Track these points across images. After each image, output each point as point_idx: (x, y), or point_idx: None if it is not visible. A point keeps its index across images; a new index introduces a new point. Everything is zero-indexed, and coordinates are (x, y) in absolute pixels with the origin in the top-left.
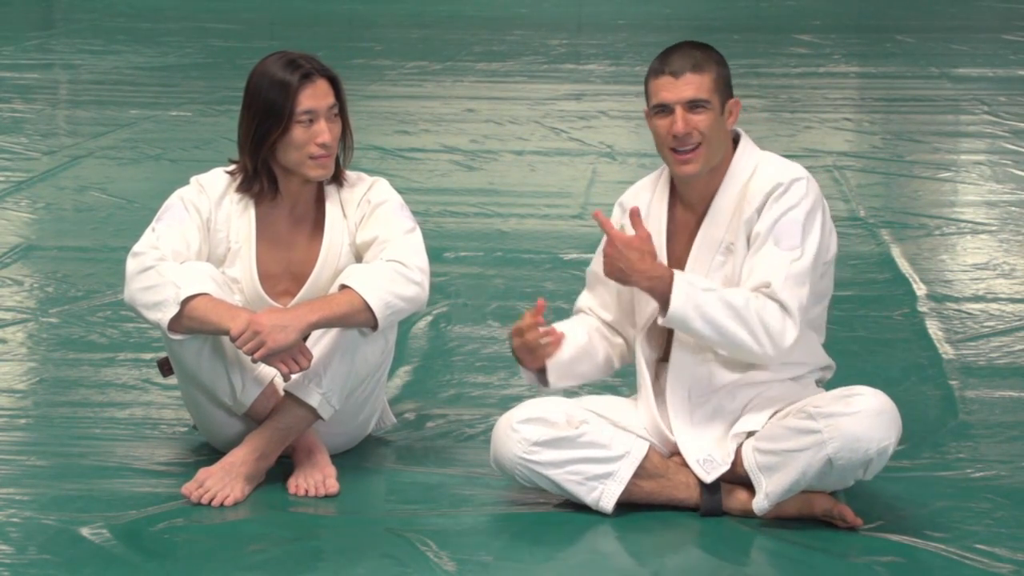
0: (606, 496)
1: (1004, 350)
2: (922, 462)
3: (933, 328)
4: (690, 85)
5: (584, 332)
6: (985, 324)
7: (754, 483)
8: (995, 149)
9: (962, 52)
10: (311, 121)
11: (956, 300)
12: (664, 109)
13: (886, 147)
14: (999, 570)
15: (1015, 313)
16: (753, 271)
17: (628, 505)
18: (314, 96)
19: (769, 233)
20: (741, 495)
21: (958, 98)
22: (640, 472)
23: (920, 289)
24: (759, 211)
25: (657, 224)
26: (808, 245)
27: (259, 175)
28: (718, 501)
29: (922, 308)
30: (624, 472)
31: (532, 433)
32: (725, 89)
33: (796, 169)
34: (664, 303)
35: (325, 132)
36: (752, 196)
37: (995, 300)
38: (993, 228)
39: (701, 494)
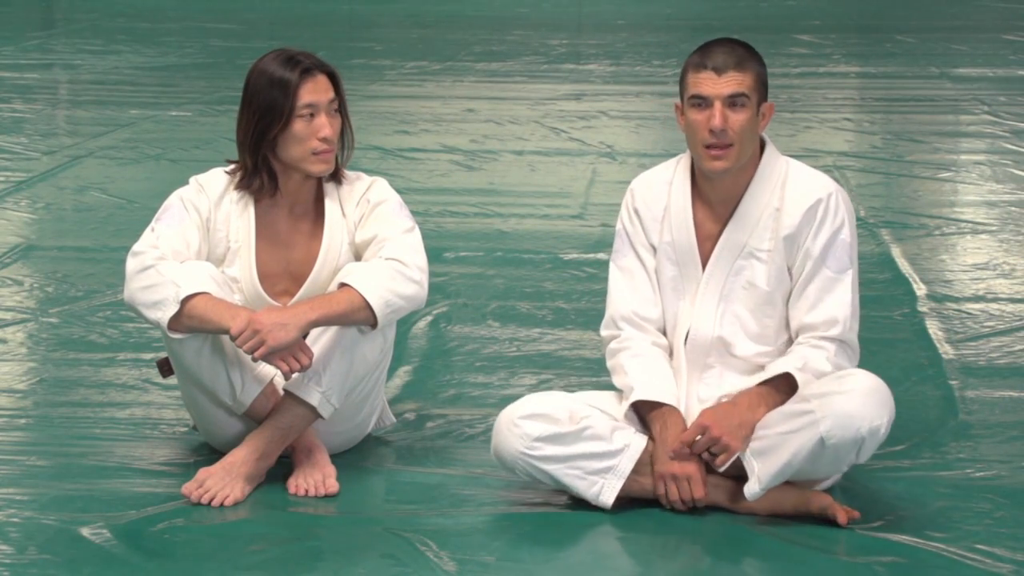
0: (606, 491)
1: (1004, 350)
2: (922, 462)
3: (933, 328)
4: (732, 82)
5: (663, 361)
6: (985, 324)
7: (746, 468)
8: (995, 149)
9: (962, 52)
10: (312, 115)
11: (956, 300)
12: (703, 102)
13: (886, 147)
14: (999, 570)
15: (1015, 313)
16: (814, 303)
17: (628, 504)
18: (315, 91)
19: (823, 259)
20: (734, 488)
21: (958, 98)
22: (639, 467)
23: (920, 289)
24: (800, 229)
25: (684, 224)
26: (855, 262)
27: (259, 172)
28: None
29: (922, 308)
30: (624, 466)
31: (533, 429)
32: (762, 89)
33: (827, 181)
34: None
35: (326, 126)
36: (789, 208)
37: (995, 300)
38: (993, 228)
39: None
